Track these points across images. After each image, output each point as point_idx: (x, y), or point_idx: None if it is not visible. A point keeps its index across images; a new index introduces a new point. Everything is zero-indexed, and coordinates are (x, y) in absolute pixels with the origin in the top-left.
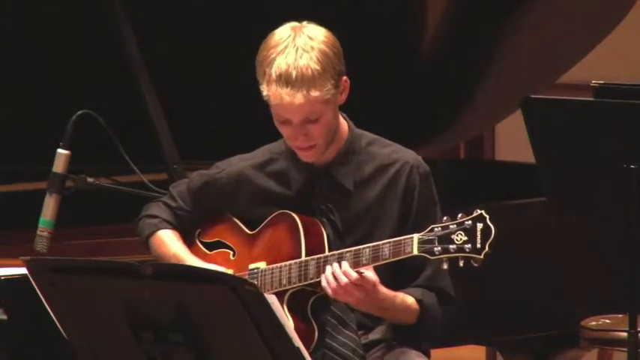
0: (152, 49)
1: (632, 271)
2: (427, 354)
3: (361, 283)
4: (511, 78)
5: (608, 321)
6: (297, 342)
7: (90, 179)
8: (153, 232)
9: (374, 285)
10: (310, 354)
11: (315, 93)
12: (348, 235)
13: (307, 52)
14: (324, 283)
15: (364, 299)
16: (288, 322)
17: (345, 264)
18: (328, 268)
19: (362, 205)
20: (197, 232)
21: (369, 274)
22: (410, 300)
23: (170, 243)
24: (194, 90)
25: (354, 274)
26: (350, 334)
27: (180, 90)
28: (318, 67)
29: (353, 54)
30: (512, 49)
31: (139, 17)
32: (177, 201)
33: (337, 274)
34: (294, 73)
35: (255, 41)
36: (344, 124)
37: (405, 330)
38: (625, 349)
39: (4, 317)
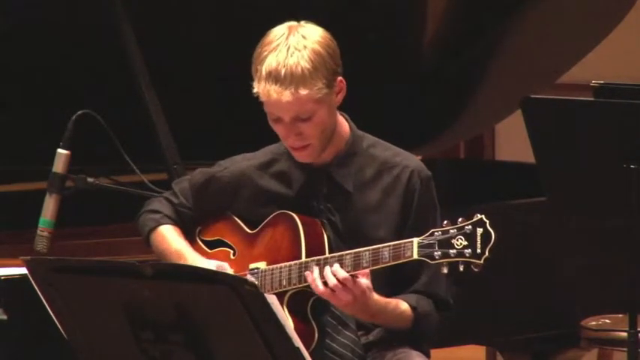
0: (152, 49)
1: (632, 271)
2: (427, 354)
3: (350, 286)
4: (511, 78)
5: (608, 321)
6: (297, 342)
7: (90, 179)
8: (154, 228)
9: (363, 292)
10: (310, 354)
11: (303, 91)
12: (349, 236)
13: (299, 50)
14: (309, 280)
15: (352, 303)
16: (288, 322)
17: (335, 264)
18: (315, 269)
19: (362, 206)
20: (197, 230)
21: (363, 280)
22: (404, 306)
23: (172, 239)
24: (194, 90)
25: (341, 273)
26: (349, 334)
27: (180, 90)
28: (308, 66)
29: (353, 54)
30: (513, 49)
31: (139, 17)
32: (179, 197)
33: (326, 274)
34: (283, 71)
35: (254, 40)
36: (345, 125)
37: (401, 333)
38: (625, 349)
39: (4, 317)
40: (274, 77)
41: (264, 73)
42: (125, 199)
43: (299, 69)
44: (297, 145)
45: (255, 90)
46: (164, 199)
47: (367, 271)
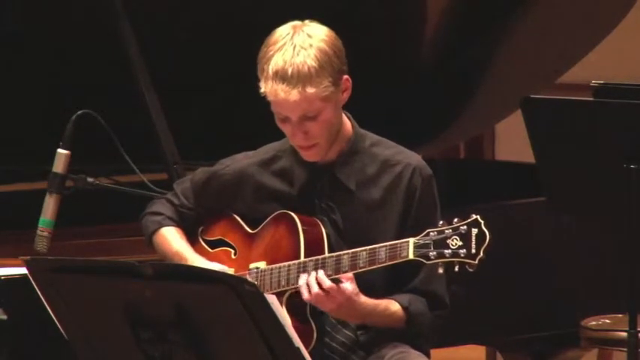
0: (152, 49)
1: (632, 271)
2: (427, 354)
3: (334, 293)
4: (511, 78)
5: (608, 321)
6: (297, 342)
7: (90, 179)
8: (156, 230)
9: (348, 298)
10: (309, 354)
11: (310, 90)
12: (349, 234)
13: (305, 49)
14: (299, 287)
15: (337, 309)
16: (288, 322)
17: (320, 272)
18: (302, 276)
19: (363, 205)
20: (200, 230)
21: (347, 285)
22: (395, 307)
23: (173, 240)
24: (194, 89)
25: (327, 282)
26: (349, 333)
27: (180, 89)
28: (314, 64)
29: (353, 54)
30: (512, 49)
31: (139, 17)
32: (180, 199)
33: (310, 282)
34: (289, 70)
35: (255, 40)
36: (347, 123)
37: (400, 331)
38: (625, 349)
39: (4, 317)
40: (281, 76)
41: (270, 72)
42: (125, 199)
43: (305, 67)
44: (304, 144)
45: (262, 90)
46: (166, 201)
47: (351, 275)
